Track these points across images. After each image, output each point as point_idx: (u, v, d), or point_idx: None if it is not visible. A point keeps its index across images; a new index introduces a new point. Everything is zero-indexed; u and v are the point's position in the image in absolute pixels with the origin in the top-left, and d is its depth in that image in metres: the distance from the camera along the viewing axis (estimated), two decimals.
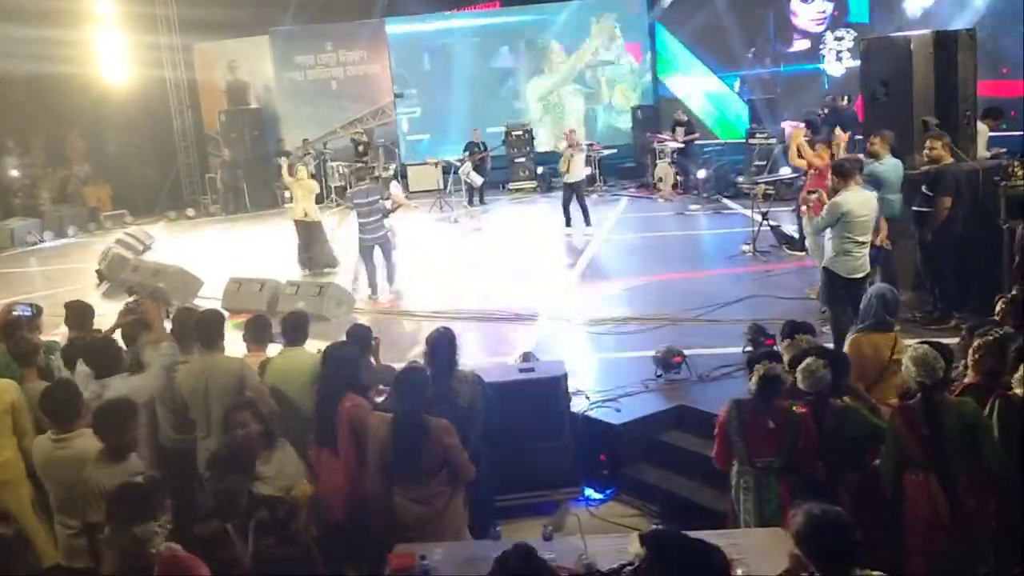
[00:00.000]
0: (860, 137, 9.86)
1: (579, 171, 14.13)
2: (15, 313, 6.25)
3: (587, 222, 14.07)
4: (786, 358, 5.10)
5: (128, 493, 3.49)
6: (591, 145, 17.91)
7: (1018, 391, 4.32)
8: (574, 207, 14.05)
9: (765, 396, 4.65)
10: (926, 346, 4.37)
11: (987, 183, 7.99)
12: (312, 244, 13.00)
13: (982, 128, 9.47)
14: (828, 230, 7.01)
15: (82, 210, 20.46)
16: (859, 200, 6.89)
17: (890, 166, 8.08)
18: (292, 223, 13.21)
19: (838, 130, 9.98)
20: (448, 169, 19.18)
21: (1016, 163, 7.55)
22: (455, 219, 16.87)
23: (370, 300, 11.07)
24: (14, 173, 20.74)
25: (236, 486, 3.95)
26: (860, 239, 6.90)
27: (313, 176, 14.42)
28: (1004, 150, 9.76)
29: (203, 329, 5.51)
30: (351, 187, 12.70)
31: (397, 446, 4.64)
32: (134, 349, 5.99)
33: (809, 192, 8.76)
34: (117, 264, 13.12)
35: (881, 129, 8.25)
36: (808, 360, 4.71)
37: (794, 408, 4.63)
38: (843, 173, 7.00)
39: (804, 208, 8.67)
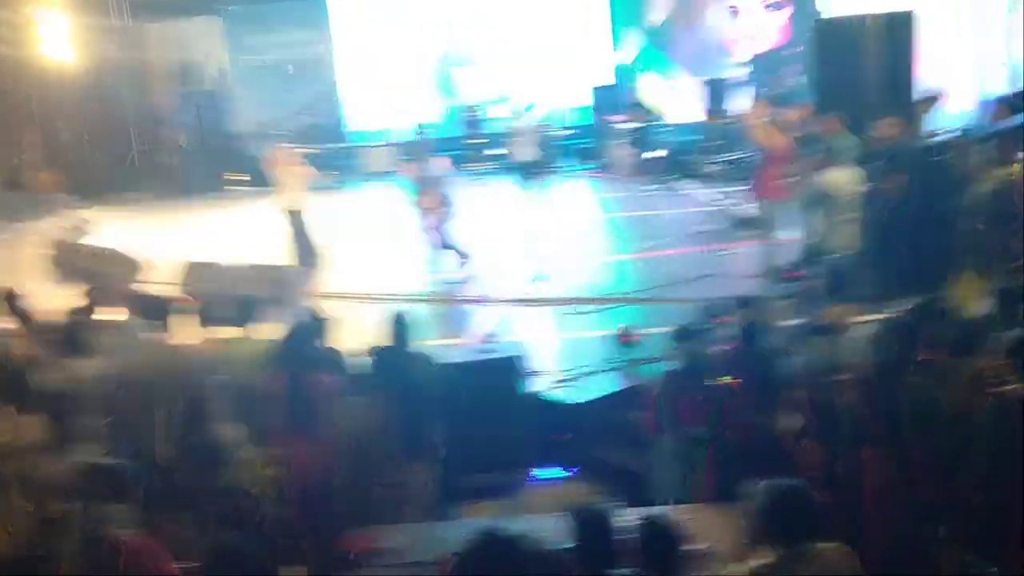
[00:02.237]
0: None
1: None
2: None
3: None
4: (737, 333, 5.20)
5: (99, 472, 3.45)
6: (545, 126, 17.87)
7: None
8: None
9: (693, 369, 4.73)
10: (881, 323, 4.45)
11: (933, 163, 8.13)
12: (302, 237, 12.05)
13: (923, 109, 9.62)
14: (812, 209, 7.10)
15: (31, 196, 19.98)
16: (841, 177, 6.97)
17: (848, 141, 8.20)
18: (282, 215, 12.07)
19: (793, 109, 10.09)
20: (402, 153, 19.00)
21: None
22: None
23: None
24: None
25: (200, 477, 3.92)
26: (847, 215, 6.98)
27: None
28: (936, 132, 9.93)
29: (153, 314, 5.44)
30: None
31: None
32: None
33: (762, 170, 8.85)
34: (68, 250, 12.83)
35: (831, 111, 8.37)
36: None
37: (722, 380, 4.72)
38: (825, 152, 7.10)
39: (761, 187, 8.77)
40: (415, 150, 12.73)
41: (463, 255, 11.18)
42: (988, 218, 6.26)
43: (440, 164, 11.74)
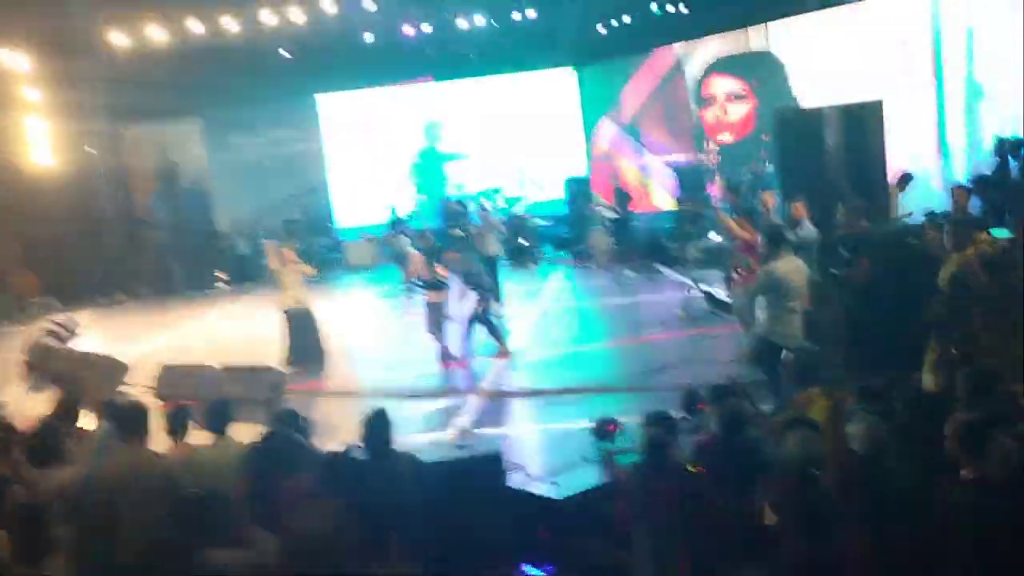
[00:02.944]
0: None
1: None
2: None
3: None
4: (713, 422, 5.21)
5: None
6: (523, 217, 18.25)
7: None
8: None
9: (657, 458, 4.74)
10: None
11: (904, 245, 8.30)
12: (306, 335, 11.63)
13: (894, 192, 9.86)
14: (762, 298, 7.18)
15: (8, 298, 19.91)
16: (791, 267, 7.09)
17: (810, 231, 8.37)
18: (282, 314, 11.70)
19: (766, 194, 10.32)
20: (384, 244, 19.24)
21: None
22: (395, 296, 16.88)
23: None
24: None
25: None
26: (793, 306, 7.07)
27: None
28: (911, 213, 10.16)
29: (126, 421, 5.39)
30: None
31: None
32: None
33: (736, 258, 9.01)
34: (43, 354, 12.73)
35: (799, 196, 8.56)
36: None
37: (689, 468, 4.72)
38: (774, 240, 7.21)
39: (735, 277, 8.91)
40: (423, 242, 12.45)
41: (497, 340, 11.03)
42: (950, 300, 6.37)
43: (451, 257, 11.56)
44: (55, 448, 5.43)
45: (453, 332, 11.13)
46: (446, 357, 11.01)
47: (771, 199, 9.99)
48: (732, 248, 10.30)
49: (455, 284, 11.34)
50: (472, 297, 11.05)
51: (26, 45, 19.81)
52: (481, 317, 10.98)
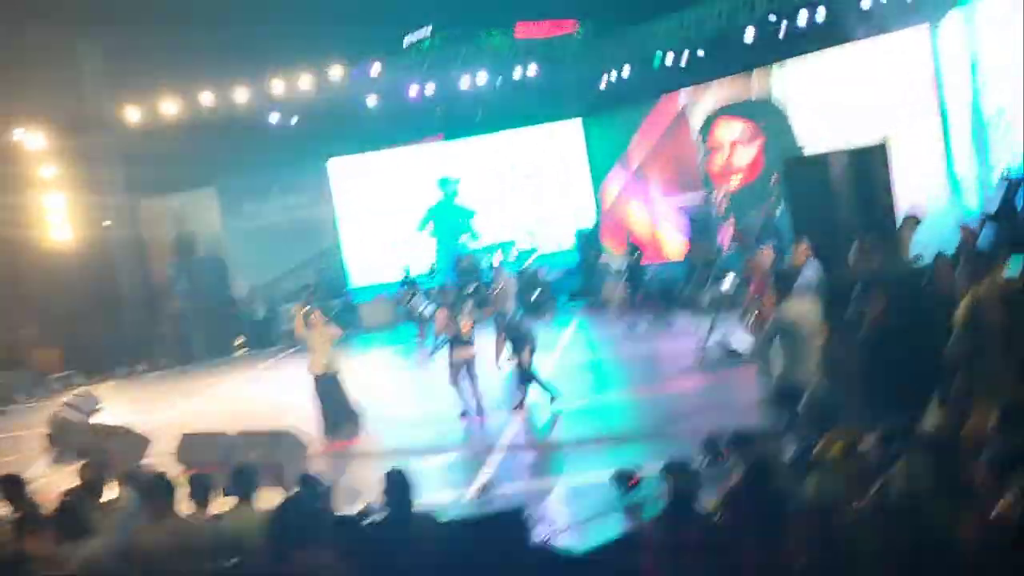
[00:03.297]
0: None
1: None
2: None
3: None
4: (737, 469, 5.18)
5: None
6: (537, 271, 18.39)
7: None
8: None
9: (681, 508, 4.71)
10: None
11: (916, 284, 8.29)
12: (338, 400, 11.45)
13: (904, 234, 9.87)
14: (777, 340, 7.18)
15: (29, 375, 20.06)
16: (803, 309, 7.11)
17: (814, 270, 8.40)
18: (312, 379, 11.41)
19: (764, 249, 10.40)
20: (398, 304, 19.34)
21: None
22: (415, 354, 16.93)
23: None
24: None
25: None
26: (808, 348, 7.07)
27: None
28: (920, 256, 10.15)
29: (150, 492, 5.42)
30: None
31: None
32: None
33: (750, 303, 9.03)
34: (66, 428, 12.82)
35: (802, 239, 8.61)
36: None
37: (713, 517, 4.69)
38: (783, 283, 7.24)
39: (750, 320, 8.91)
40: (445, 298, 12.41)
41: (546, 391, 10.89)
42: (966, 338, 6.33)
43: (488, 312, 11.59)
44: (81, 521, 5.45)
45: (477, 388, 11.09)
46: (469, 412, 10.99)
47: (769, 253, 10.09)
48: (747, 292, 10.32)
49: (482, 339, 11.27)
50: (513, 349, 10.94)
51: (43, 123, 20.32)
52: (525, 370, 10.86)
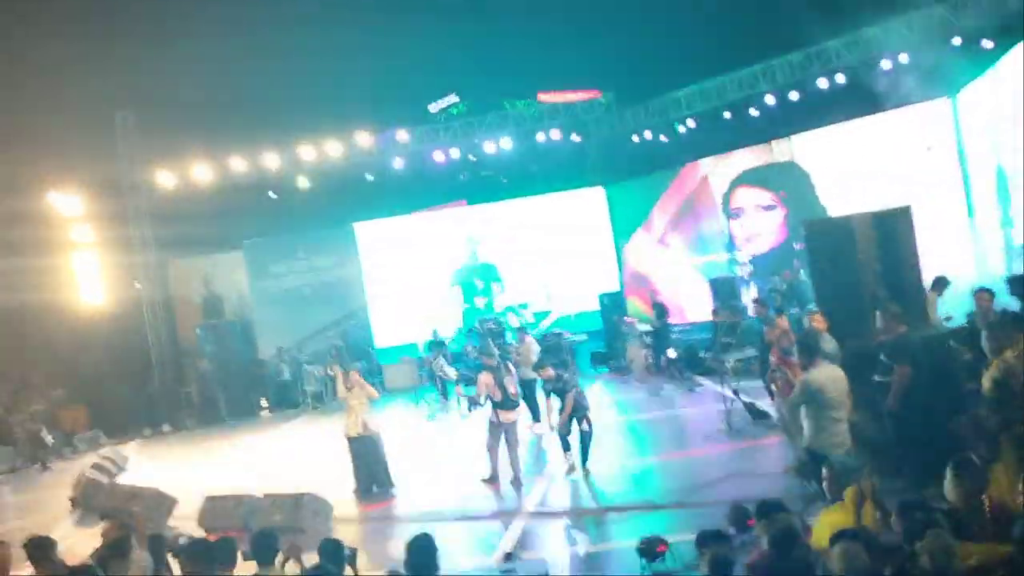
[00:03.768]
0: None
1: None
2: None
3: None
4: (763, 538, 5.14)
5: None
6: (559, 334, 18.41)
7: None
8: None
9: None
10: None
11: (944, 349, 8.25)
12: (374, 462, 11.31)
13: (932, 296, 9.86)
14: (804, 408, 7.15)
15: (57, 435, 20.15)
16: (829, 376, 7.08)
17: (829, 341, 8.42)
18: (347, 441, 11.35)
19: (780, 318, 10.45)
20: (422, 366, 19.40)
21: None
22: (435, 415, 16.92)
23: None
24: None
25: None
26: (835, 415, 7.03)
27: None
28: (950, 317, 10.12)
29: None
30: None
31: None
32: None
33: (773, 370, 9.00)
34: (91, 489, 12.87)
35: (817, 310, 8.63)
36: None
37: None
38: (809, 350, 7.24)
39: (774, 387, 8.87)
40: (490, 360, 11.57)
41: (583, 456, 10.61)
42: (993, 404, 6.30)
43: (547, 374, 11.10)
44: None
45: (517, 452, 10.84)
46: (496, 478, 10.76)
47: (784, 321, 10.11)
48: (769, 359, 10.27)
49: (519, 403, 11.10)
50: (571, 414, 10.55)
51: (77, 187, 20.80)
52: (583, 430, 10.54)
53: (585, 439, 10.60)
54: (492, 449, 10.84)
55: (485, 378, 10.91)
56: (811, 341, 7.42)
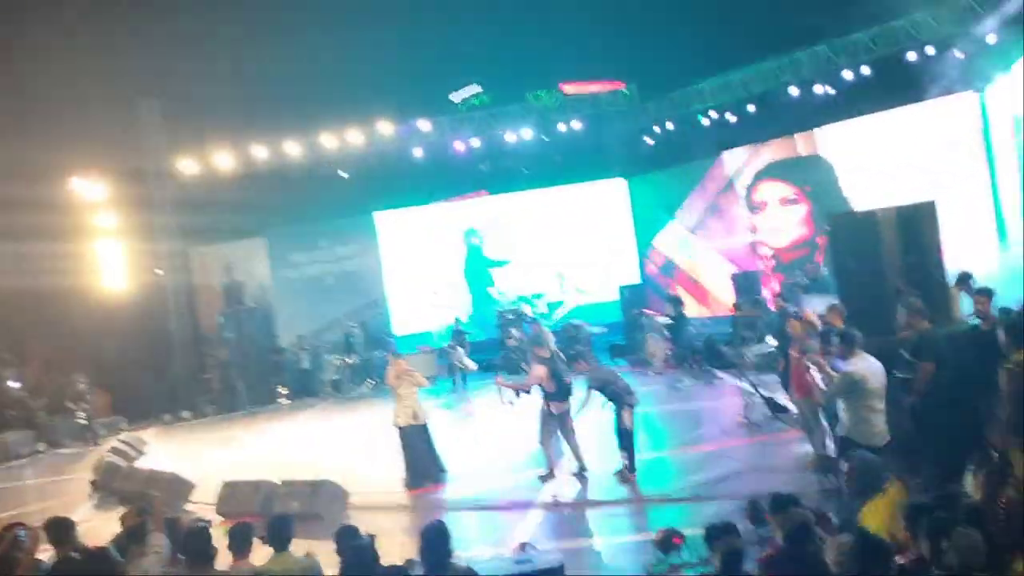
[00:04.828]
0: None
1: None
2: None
3: None
4: (778, 533, 5.10)
5: None
6: (579, 326, 18.36)
7: None
8: None
9: (729, 571, 4.63)
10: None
11: (969, 346, 8.14)
12: (424, 452, 11.14)
13: (955, 293, 9.72)
14: (843, 400, 7.12)
15: (76, 420, 20.33)
16: (869, 367, 7.03)
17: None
18: (397, 430, 11.12)
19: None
20: (442, 356, 19.42)
21: None
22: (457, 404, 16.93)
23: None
24: (12, 385, 20.79)
25: None
26: (876, 406, 7.00)
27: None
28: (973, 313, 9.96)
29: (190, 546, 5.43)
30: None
31: None
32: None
33: (797, 366, 8.95)
34: (110, 473, 12.99)
35: (837, 303, 8.55)
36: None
37: None
38: (849, 341, 7.19)
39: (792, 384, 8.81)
40: (543, 351, 11.20)
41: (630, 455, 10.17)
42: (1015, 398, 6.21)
43: (582, 368, 10.77)
44: (115, 567, 5.48)
45: (575, 441, 10.55)
46: (554, 475, 10.42)
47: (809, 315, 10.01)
48: (790, 356, 10.14)
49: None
50: (616, 406, 10.26)
51: (100, 174, 20.93)
52: (622, 428, 10.17)
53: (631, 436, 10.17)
54: (547, 443, 10.52)
55: (539, 370, 10.58)
56: (851, 332, 7.34)
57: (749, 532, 6.47)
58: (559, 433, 10.52)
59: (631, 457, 10.11)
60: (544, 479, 10.40)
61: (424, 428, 11.14)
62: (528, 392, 10.94)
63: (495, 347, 20.01)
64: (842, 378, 7.05)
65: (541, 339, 12.53)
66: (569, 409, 10.55)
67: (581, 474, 10.35)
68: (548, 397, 10.52)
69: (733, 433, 11.53)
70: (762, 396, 11.99)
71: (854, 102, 16.97)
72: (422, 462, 11.01)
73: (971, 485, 5.06)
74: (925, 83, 15.40)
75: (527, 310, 20.13)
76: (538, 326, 15.29)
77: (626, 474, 10.05)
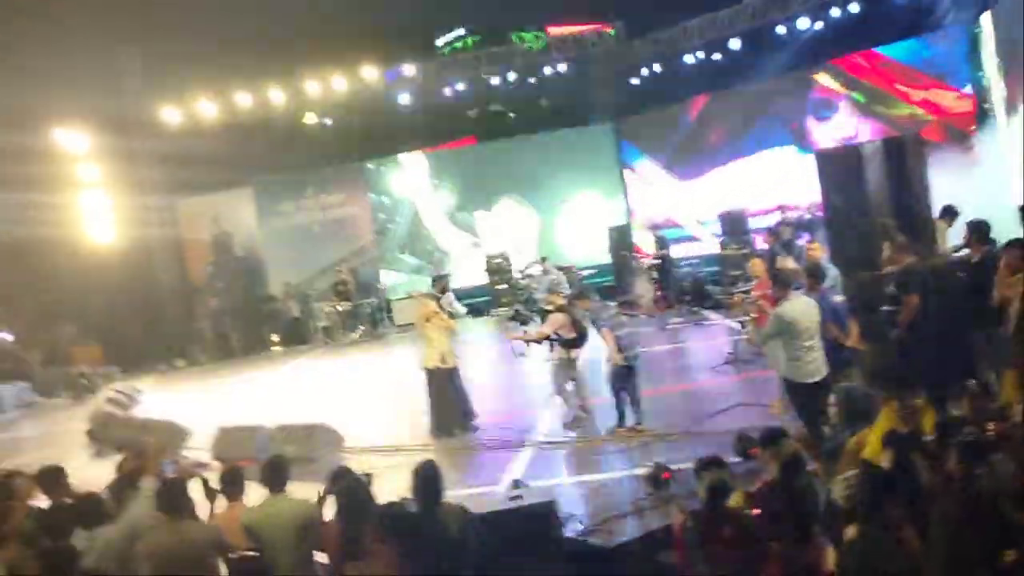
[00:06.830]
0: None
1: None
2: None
3: None
4: (772, 466, 5.20)
5: None
6: (568, 268, 18.38)
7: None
8: None
9: (715, 504, 4.73)
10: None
11: (953, 278, 8.21)
12: (453, 395, 10.58)
13: (940, 225, 9.77)
14: (778, 340, 7.28)
15: (71, 370, 20.40)
16: (800, 308, 7.18)
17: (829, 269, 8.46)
18: (424, 373, 10.55)
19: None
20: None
21: None
22: None
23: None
24: (4, 337, 20.80)
25: None
26: (807, 344, 7.16)
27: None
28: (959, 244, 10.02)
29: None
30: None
31: None
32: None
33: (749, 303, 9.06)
34: (106, 422, 13.06)
35: (814, 238, 8.63)
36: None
37: (746, 511, 4.70)
38: (782, 283, 7.34)
39: (749, 317, 8.91)
40: (558, 298, 10.80)
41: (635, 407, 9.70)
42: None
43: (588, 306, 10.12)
44: (106, 511, 5.59)
45: (584, 388, 10.26)
46: (579, 420, 10.06)
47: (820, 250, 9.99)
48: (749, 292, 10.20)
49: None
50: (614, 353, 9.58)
51: (82, 124, 20.67)
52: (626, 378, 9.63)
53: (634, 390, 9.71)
54: (563, 390, 10.20)
55: (559, 317, 10.10)
56: (782, 273, 7.52)
57: (737, 465, 6.62)
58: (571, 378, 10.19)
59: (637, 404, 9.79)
60: (568, 426, 10.07)
61: (452, 372, 10.55)
62: (547, 340, 10.32)
63: (481, 293, 20.18)
64: (773, 320, 7.23)
65: (556, 284, 11.96)
66: (578, 355, 10.22)
67: (578, 422, 10.16)
68: (566, 344, 10.06)
69: (720, 371, 11.65)
70: (747, 335, 12.09)
71: (844, 39, 16.86)
72: (447, 408, 10.49)
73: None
74: (914, 18, 15.27)
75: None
76: (551, 269, 14.95)
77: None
